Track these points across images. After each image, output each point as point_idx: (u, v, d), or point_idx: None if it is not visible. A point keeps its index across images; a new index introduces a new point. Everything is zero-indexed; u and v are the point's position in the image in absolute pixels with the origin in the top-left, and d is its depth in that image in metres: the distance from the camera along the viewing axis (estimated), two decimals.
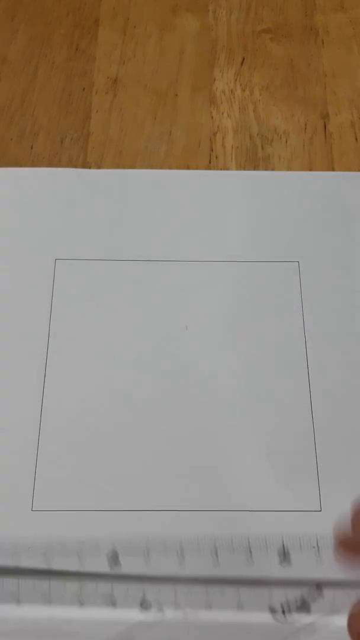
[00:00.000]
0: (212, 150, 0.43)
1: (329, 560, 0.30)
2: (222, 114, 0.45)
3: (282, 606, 0.29)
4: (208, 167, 0.43)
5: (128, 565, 0.30)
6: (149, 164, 0.43)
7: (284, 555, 0.30)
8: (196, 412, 0.35)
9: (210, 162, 0.43)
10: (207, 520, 0.32)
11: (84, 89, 0.46)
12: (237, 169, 0.42)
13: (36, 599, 0.30)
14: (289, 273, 0.39)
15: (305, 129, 0.44)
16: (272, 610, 0.29)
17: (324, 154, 0.43)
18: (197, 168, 0.43)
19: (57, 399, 0.35)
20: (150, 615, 0.30)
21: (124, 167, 0.42)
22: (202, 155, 0.43)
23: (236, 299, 0.38)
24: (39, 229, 0.40)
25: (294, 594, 0.29)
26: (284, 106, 0.45)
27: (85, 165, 0.43)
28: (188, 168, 0.43)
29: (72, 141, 0.44)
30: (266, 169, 0.42)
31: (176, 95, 0.45)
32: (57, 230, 0.40)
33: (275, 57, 0.47)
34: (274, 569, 0.30)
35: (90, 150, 0.43)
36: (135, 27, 0.48)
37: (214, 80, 0.46)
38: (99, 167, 0.43)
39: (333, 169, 0.42)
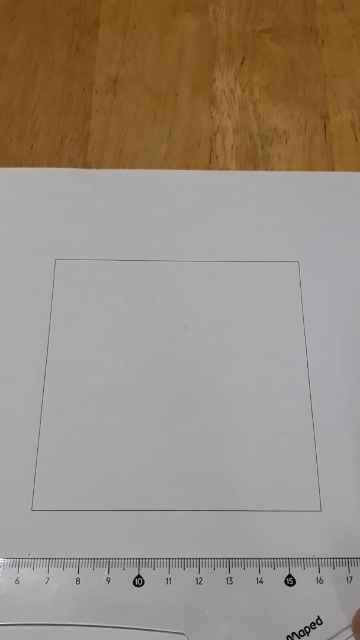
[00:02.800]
0: (212, 150, 0.43)
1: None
2: (222, 114, 0.45)
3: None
4: (208, 167, 0.43)
5: (151, 584, 0.31)
6: (149, 164, 0.43)
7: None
8: (196, 412, 0.35)
9: (210, 162, 0.43)
10: (208, 520, 0.32)
11: (84, 89, 0.46)
12: (237, 169, 0.42)
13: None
14: (289, 273, 0.39)
15: (305, 129, 0.44)
16: None
17: (324, 154, 0.43)
18: (197, 168, 0.43)
19: (57, 399, 0.35)
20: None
21: (124, 167, 0.42)
22: (202, 155, 0.43)
23: (236, 299, 0.38)
24: (39, 229, 0.40)
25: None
26: (284, 106, 0.45)
27: (85, 165, 0.43)
28: (188, 168, 0.43)
29: (72, 141, 0.44)
30: (266, 169, 0.42)
31: (176, 95, 0.45)
32: (57, 230, 0.40)
33: (275, 57, 0.47)
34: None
35: (90, 150, 0.43)
36: (135, 27, 0.48)
37: (214, 80, 0.46)
38: (99, 167, 0.43)
39: (333, 169, 0.42)
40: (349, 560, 0.31)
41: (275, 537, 0.32)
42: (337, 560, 0.31)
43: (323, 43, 0.47)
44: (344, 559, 0.31)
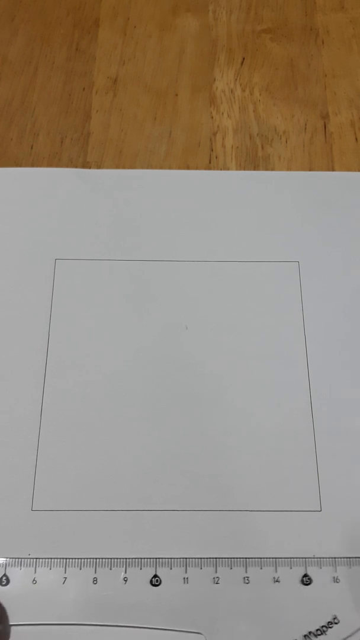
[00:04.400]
0: (212, 150, 0.43)
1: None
2: (222, 114, 0.45)
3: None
4: (208, 167, 0.43)
5: (168, 584, 0.31)
6: (149, 164, 0.43)
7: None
8: (196, 412, 0.35)
9: (210, 162, 0.43)
10: (207, 520, 0.32)
11: (84, 89, 0.46)
12: (237, 169, 0.42)
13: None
14: (289, 273, 0.39)
15: (305, 129, 0.44)
16: None
17: (324, 154, 0.43)
18: (197, 168, 0.43)
19: (57, 399, 0.35)
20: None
21: (124, 167, 0.42)
22: (202, 155, 0.43)
23: (236, 299, 0.38)
24: (39, 229, 0.40)
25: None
26: (284, 106, 0.45)
27: (85, 165, 0.43)
28: (188, 168, 0.43)
29: (72, 141, 0.44)
30: (266, 169, 0.42)
31: (176, 95, 0.45)
32: (57, 230, 0.40)
33: (275, 57, 0.47)
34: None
35: (90, 150, 0.43)
36: (135, 27, 0.48)
37: (214, 80, 0.46)
38: (99, 167, 0.43)
39: (333, 169, 0.42)
40: None
41: (283, 537, 0.32)
42: (354, 559, 0.31)
43: (323, 43, 0.47)
44: None
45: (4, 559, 0.31)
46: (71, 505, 0.33)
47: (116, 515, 0.32)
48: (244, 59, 0.47)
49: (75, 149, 0.43)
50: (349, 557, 0.31)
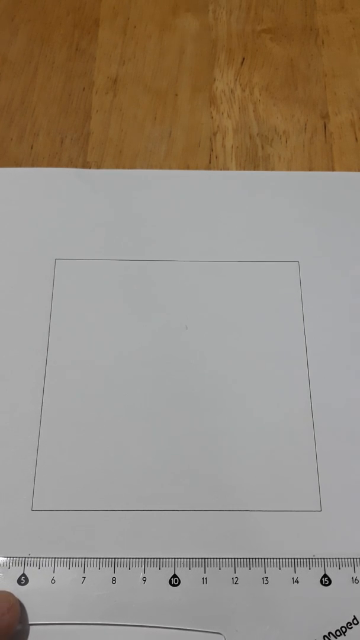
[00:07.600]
0: (212, 150, 0.43)
1: None
2: (222, 114, 0.45)
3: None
4: (208, 167, 0.43)
5: (187, 584, 0.31)
6: (149, 164, 0.43)
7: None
8: (196, 412, 0.35)
9: (210, 162, 0.43)
10: (207, 520, 0.32)
11: (84, 89, 0.46)
12: (237, 169, 0.42)
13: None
14: (289, 273, 0.39)
15: (305, 129, 0.44)
16: None
17: (324, 154, 0.43)
18: (197, 168, 0.43)
19: (57, 399, 0.35)
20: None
21: (124, 167, 0.42)
22: (202, 155, 0.43)
23: (236, 299, 0.38)
24: (39, 229, 0.40)
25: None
26: (284, 106, 0.45)
27: (85, 165, 0.43)
28: (188, 168, 0.43)
29: (72, 141, 0.44)
30: (266, 169, 0.42)
31: (176, 95, 0.45)
32: (57, 230, 0.40)
33: (275, 57, 0.47)
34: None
35: (90, 150, 0.43)
36: (135, 27, 0.48)
37: (214, 80, 0.46)
38: (99, 167, 0.43)
39: (333, 169, 0.42)
40: None
41: (283, 537, 0.32)
42: None
43: (323, 43, 0.47)
44: None
45: (22, 558, 0.31)
46: (71, 505, 0.33)
47: (116, 515, 0.32)
48: (244, 59, 0.47)
49: (75, 149, 0.43)
50: None
